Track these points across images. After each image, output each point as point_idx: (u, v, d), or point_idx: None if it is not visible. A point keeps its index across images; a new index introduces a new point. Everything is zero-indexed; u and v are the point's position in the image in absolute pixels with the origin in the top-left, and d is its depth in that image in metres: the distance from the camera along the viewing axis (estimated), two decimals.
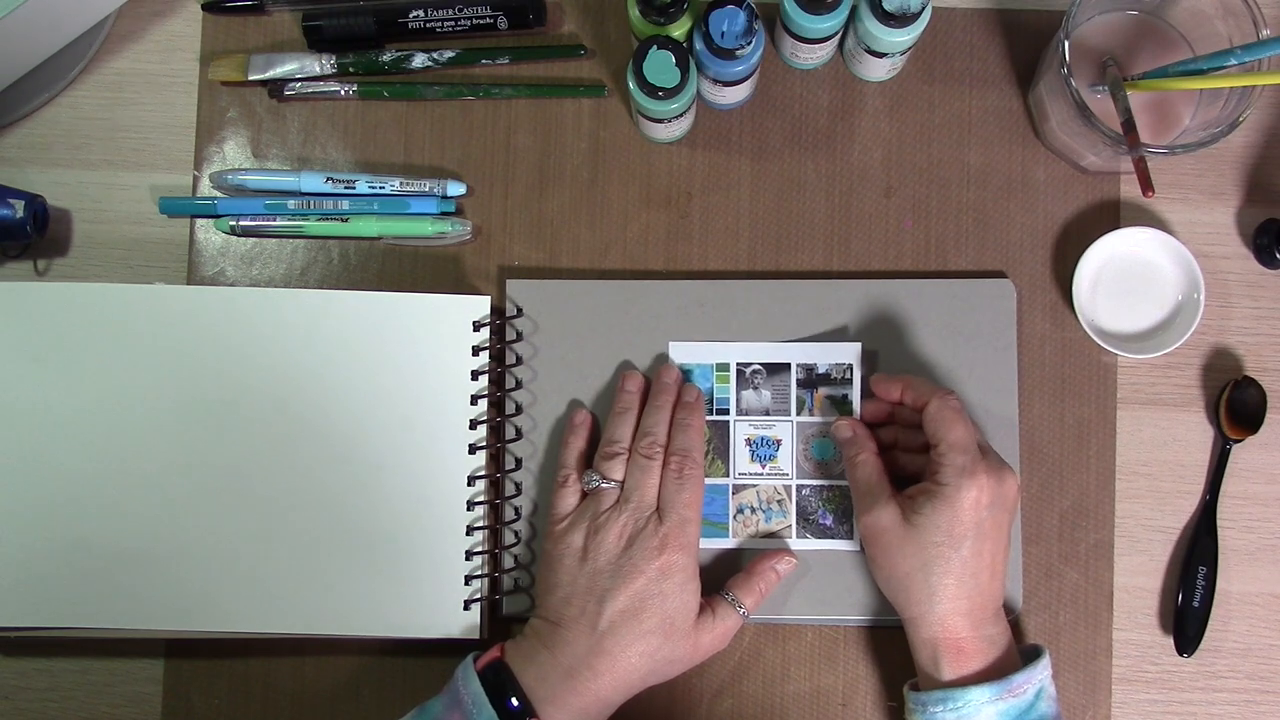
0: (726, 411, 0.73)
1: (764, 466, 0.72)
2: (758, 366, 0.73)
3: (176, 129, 0.77)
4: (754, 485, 0.72)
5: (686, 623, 0.66)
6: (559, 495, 0.70)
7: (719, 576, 0.71)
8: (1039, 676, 0.65)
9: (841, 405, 0.72)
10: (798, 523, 0.72)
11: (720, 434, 0.73)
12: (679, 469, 0.68)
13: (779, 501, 0.72)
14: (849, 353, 0.73)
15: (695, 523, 0.68)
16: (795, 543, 0.72)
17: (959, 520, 0.64)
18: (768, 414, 0.73)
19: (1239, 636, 0.74)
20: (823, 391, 0.73)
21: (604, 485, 0.68)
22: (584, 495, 0.69)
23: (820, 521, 0.72)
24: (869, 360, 0.73)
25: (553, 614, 0.66)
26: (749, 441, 0.73)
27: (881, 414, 0.72)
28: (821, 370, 0.73)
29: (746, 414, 0.73)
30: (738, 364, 0.73)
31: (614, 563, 0.66)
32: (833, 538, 0.72)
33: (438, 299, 0.73)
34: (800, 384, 0.73)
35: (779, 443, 0.73)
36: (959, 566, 0.64)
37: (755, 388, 0.73)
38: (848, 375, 0.73)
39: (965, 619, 0.65)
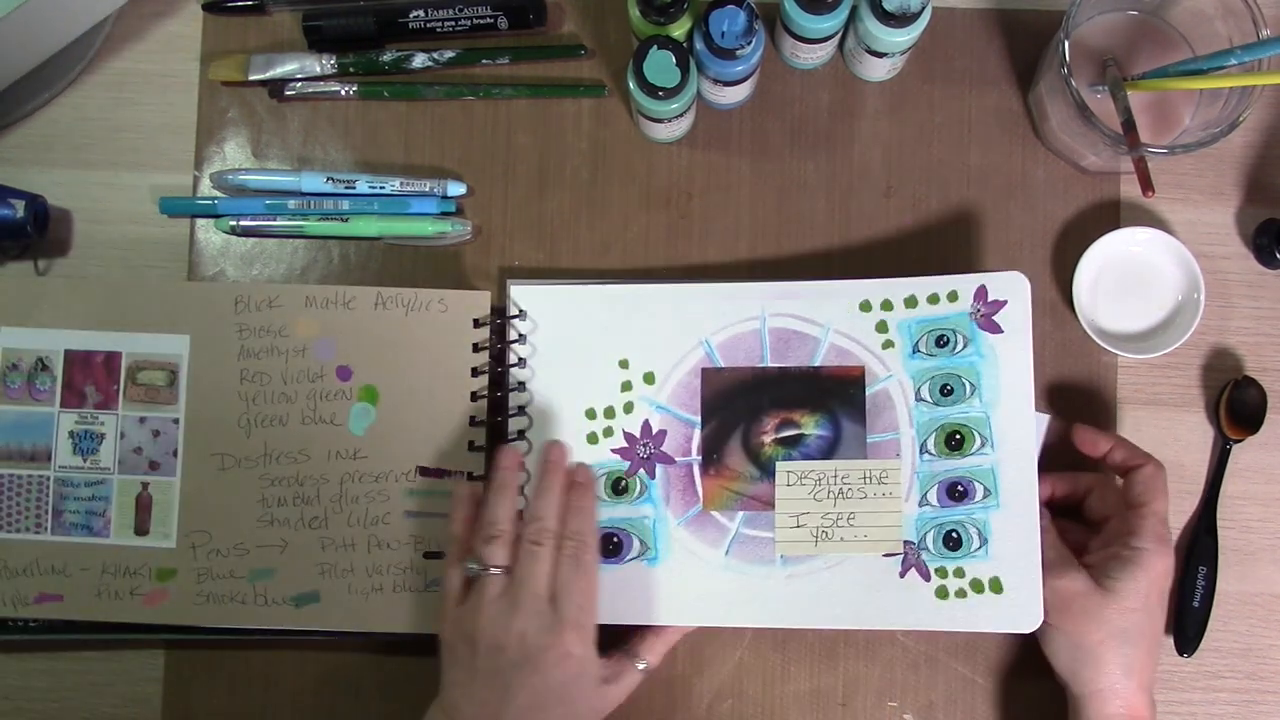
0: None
1: None
2: None
3: (176, 129, 0.77)
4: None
5: (592, 712, 0.64)
6: (449, 573, 0.65)
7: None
8: None
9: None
10: None
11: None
12: (575, 555, 0.64)
13: None
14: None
15: (592, 610, 0.64)
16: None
17: (1155, 587, 0.64)
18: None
19: (1239, 636, 0.74)
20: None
21: (489, 573, 0.63)
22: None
23: None
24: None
25: (450, 706, 0.63)
26: None
27: (1068, 493, 0.70)
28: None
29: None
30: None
31: (512, 657, 0.61)
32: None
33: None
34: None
35: None
36: (1151, 637, 0.64)
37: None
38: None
39: (1146, 695, 0.64)
